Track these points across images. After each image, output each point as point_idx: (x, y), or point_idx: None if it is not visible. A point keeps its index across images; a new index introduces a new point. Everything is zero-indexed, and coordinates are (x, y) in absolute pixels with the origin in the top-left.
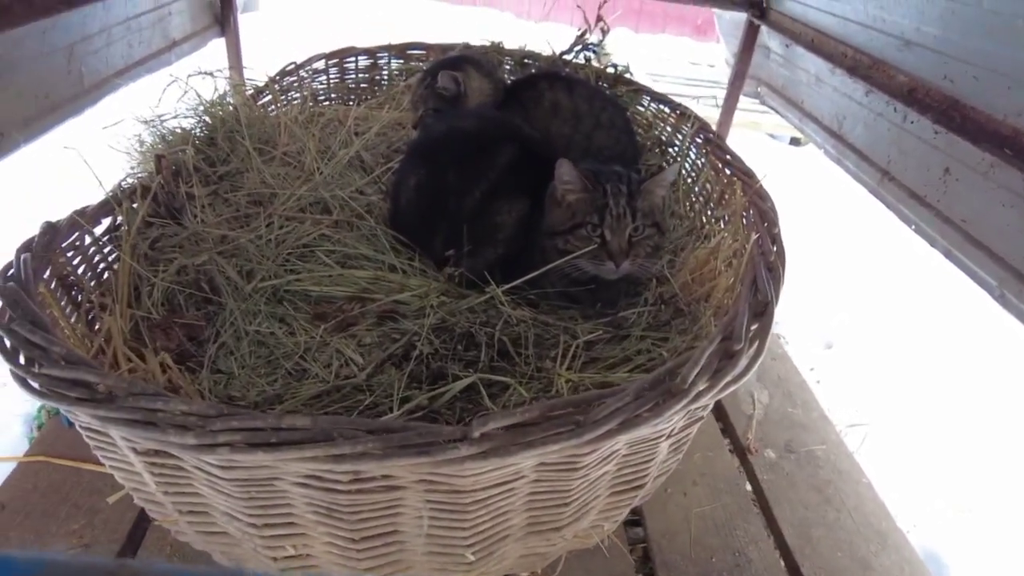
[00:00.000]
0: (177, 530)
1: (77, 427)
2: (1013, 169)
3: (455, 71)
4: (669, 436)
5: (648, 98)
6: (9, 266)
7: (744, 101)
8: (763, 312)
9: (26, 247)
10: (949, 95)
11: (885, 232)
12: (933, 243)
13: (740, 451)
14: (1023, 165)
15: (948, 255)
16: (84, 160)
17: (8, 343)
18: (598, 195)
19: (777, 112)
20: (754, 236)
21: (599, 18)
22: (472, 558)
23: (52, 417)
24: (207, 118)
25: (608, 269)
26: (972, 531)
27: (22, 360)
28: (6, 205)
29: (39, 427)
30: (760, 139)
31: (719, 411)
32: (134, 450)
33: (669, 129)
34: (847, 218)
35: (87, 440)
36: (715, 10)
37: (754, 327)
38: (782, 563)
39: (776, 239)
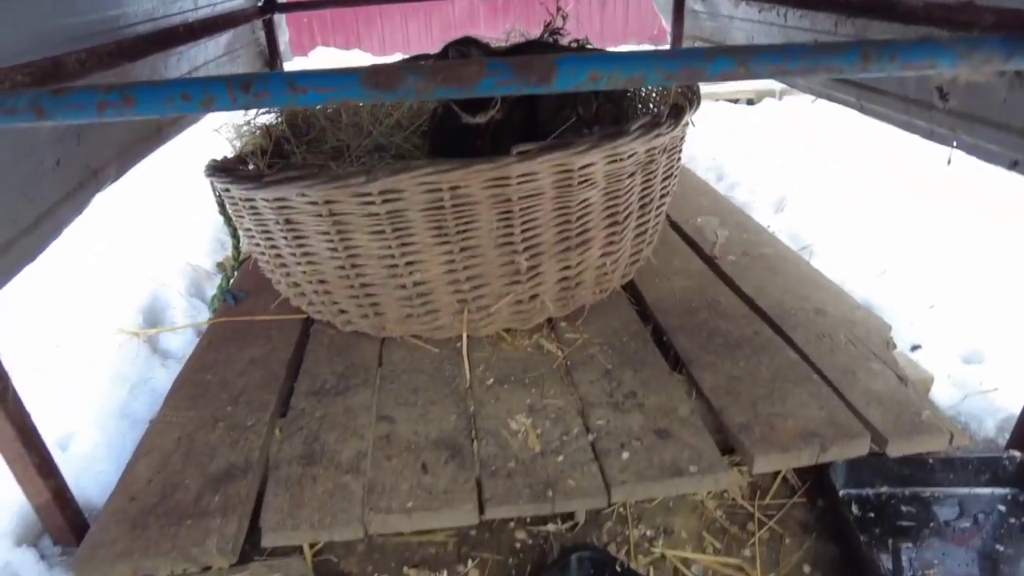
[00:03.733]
0: (308, 301)
1: (244, 244)
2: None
3: (462, 47)
4: (634, 174)
5: None
6: (214, 160)
7: None
8: (680, 114)
9: (212, 164)
10: None
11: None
12: (818, 94)
13: (708, 260)
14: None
15: (830, 97)
16: (226, 139)
17: (239, 175)
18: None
19: None
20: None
21: (559, 8)
22: (524, 263)
23: (221, 303)
24: (283, 115)
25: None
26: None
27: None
28: (168, 170)
29: (214, 310)
30: (721, 106)
31: (692, 245)
32: (314, 202)
33: None
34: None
35: (254, 239)
36: None
37: (672, 119)
38: (743, 303)
39: (694, 87)
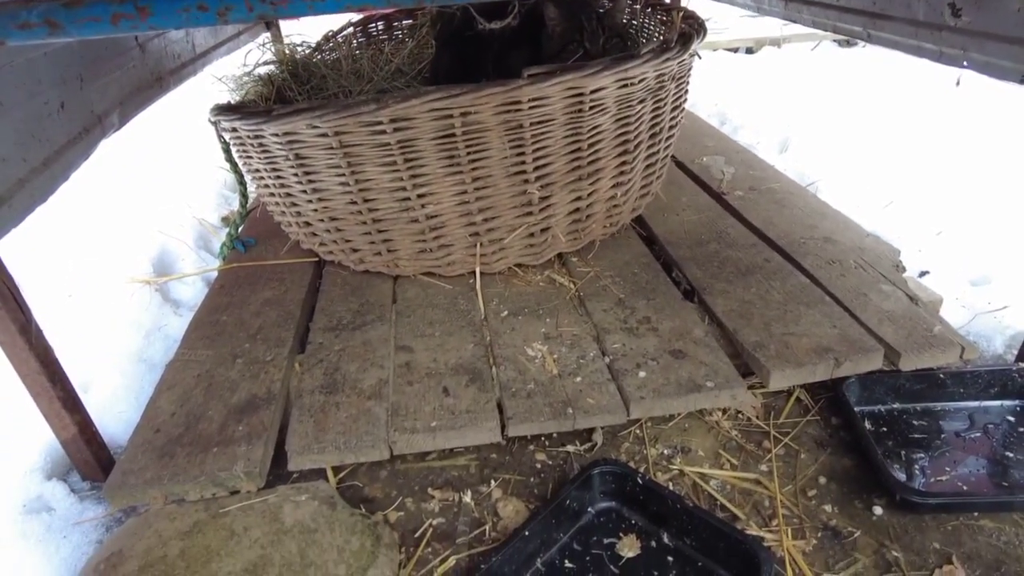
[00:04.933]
0: (320, 242)
1: (250, 191)
2: None
3: None
4: (644, 101)
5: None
6: (218, 104)
7: None
8: (688, 41)
9: (217, 107)
10: None
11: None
12: (823, 27)
13: (716, 195)
14: None
15: (835, 29)
16: (227, 87)
17: (246, 112)
18: (576, 21)
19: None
20: (678, 13)
21: None
22: (536, 193)
23: (231, 250)
24: (283, 65)
25: None
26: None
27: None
28: (169, 129)
29: (224, 258)
30: (721, 55)
31: (699, 182)
32: (324, 134)
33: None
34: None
35: (263, 180)
36: None
37: (680, 45)
38: (752, 234)
39: (694, 15)
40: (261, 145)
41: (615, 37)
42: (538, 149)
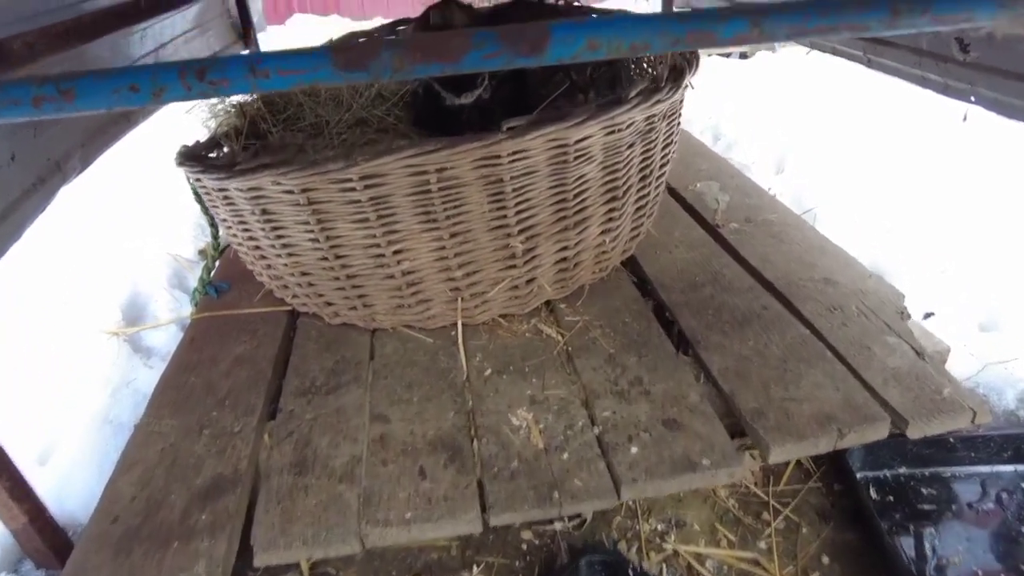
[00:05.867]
0: (293, 294)
1: (222, 238)
2: None
3: (443, 10)
4: (633, 145)
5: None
6: (185, 146)
7: None
8: (680, 76)
9: (183, 151)
10: None
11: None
12: (820, 48)
13: (710, 228)
14: None
15: (834, 51)
16: (200, 120)
17: (210, 164)
18: None
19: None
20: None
21: None
22: (520, 246)
23: (203, 296)
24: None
25: (579, 101)
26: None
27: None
28: (144, 152)
29: (196, 304)
30: (714, 61)
31: (692, 213)
32: (290, 191)
33: None
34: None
35: (232, 230)
36: None
37: (672, 83)
38: (748, 275)
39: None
40: (226, 198)
41: (603, 65)
42: (520, 202)
